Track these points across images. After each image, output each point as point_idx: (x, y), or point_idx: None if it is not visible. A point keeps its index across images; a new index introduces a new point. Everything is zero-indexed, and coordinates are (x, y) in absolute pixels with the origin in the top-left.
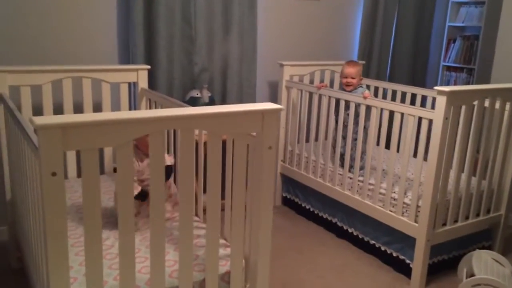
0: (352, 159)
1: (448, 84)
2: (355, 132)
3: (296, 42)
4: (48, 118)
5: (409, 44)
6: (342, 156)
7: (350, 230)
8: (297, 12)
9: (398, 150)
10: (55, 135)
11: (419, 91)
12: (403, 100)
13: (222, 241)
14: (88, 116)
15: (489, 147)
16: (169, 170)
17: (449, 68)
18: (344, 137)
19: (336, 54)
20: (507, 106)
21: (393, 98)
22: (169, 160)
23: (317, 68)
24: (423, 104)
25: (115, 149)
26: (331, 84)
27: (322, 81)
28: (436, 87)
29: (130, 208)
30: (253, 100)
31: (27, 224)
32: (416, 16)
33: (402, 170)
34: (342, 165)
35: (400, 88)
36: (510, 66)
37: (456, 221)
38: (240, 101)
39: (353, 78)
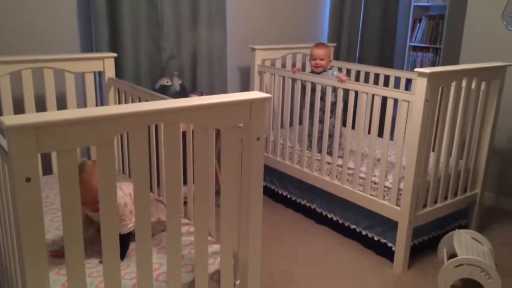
0: (330, 143)
1: (414, 64)
2: (332, 116)
3: (265, 25)
4: (20, 118)
5: (377, 25)
6: (320, 140)
7: (329, 216)
8: None
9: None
10: (28, 137)
11: (393, 73)
12: (376, 82)
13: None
14: (65, 113)
15: (466, 127)
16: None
17: (415, 48)
18: (321, 121)
19: (306, 37)
20: (482, 86)
21: (366, 81)
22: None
23: (289, 52)
24: (396, 86)
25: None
26: (303, 68)
27: (294, 64)
28: (416, 69)
29: (113, 211)
30: (224, 86)
31: None
32: None
33: (383, 153)
34: (319, 151)
35: (373, 70)
36: (478, 45)
37: (435, 202)
38: (211, 87)
39: (322, 59)
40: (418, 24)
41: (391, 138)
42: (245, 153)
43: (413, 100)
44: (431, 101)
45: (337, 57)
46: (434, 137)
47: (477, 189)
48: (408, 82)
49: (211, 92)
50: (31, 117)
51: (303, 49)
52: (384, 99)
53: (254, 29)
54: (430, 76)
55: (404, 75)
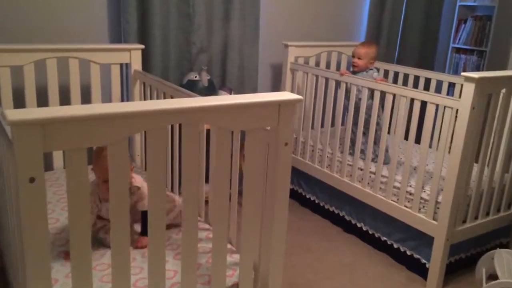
0: (363, 148)
1: (457, 67)
2: (368, 119)
3: (300, 21)
4: (25, 112)
5: (419, 25)
6: (353, 144)
7: (359, 225)
8: None
9: (417, 141)
10: (34, 134)
11: (435, 76)
12: (415, 85)
13: (228, 246)
14: (74, 109)
15: None
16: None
17: (458, 50)
18: (355, 124)
19: (342, 34)
20: None
21: (405, 83)
22: (139, 182)
23: (323, 50)
24: (438, 90)
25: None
26: (338, 66)
27: (328, 63)
28: (463, 73)
29: (124, 213)
30: (255, 84)
31: (6, 229)
32: None
33: (421, 162)
34: (352, 154)
35: (413, 72)
36: None
37: (476, 217)
38: (241, 84)
39: (360, 58)
40: (463, 25)
41: (430, 145)
42: (271, 158)
43: (458, 106)
44: (478, 109)
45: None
46: (478, 148)
47: None
48: (450, 86)
49: (240, 89)
50: (38, 112)
51: (338, 47)
52: (424, 104)
53: (287, 25)
54: (478, 81)
55: (446, 78)
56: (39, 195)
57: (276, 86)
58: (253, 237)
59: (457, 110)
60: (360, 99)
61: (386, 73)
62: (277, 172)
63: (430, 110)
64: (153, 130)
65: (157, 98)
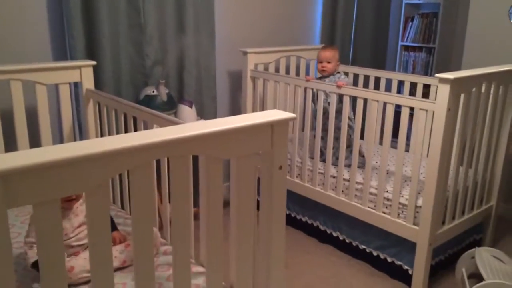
0: (335, 154)
1: (406, 64)
2: (338, 125)
3: (254, 27)
4: None
5: (370, 25)
6: (322, 151)
7: (335, 234)
8: None
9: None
10: None
11: (396, 76)
12: (376, 87)
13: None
14: (41, 154)
15: (486, 136)
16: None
17: (407, 48)
18: (325, 130)
19: (297, 39)
20: (500, 91)
21: (365, 85)
22: None
23: (282, 55)
24: (399, 91)
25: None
26: (297, 71)
27: (287, 68)
28: (437, 75)
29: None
30: (213, 94)
31: None
32: None
33: (398, 166)
34: (323, 160)
35: (378, 74)
36: (482, 45)
37: (453, 218)
38: (200, 95)
39: (328, 62)
40: (410, 23)
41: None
42: (263, 183)
43: (434, 108)
44: (453, 110)
45: None
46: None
47: (492, 201)
48: (401, 84)
49: (199, 100)
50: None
51: (297, 51)
52: (398, 107)
53: (242, 31)
54: (453, 82)
55: (411, 79)
56: (5, 263)
57: (235, 94)
58: (248, 271)
59: (430, 112)
60: (329, 103)
61: (356, 76)
62: (272, 198)
63: (404, 114)
64: (137, 169)
65: (116, 119)
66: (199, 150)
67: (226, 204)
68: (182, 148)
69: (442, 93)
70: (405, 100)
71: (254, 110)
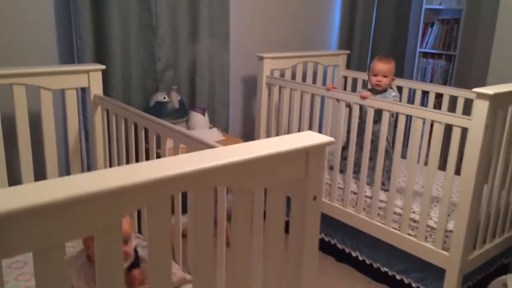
0: (356, 169)
1: (424, 72)
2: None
3: (268, 30)
4: None
5: (389, 31)
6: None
7: (354, 254)
8: None
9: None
10: None
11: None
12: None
13: None
14: (42, 191)
15: None
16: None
17: (425, 55)
18: (344, 147)
19: (312, 43)
20: None
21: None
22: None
23: (300, 61)
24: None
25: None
26: (314, 78)
27: (304, 74)
28: (475, 89)
29: None
30: (226, 100)
31: None
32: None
33: (427, 187)
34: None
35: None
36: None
37: (484, 242)
38: (212, 102)
39: (385, 76)
40: (430, 29)
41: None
42: (295, 214)
43: (470, 126)
44: (491, 128)
45: (348, 65)
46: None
47: None
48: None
49: (211, 107)
50: None
51: (315, 57)
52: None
53: (257, 35)
54: (493, 98)
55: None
56: None
57: (248, 101)
58: None
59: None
60: (364, 122)
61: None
62: (305, 232)
63: (437, 130)
64: (154, 204)
65: (126, 130)
66: (224, 181)
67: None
68: (207, 180)
69: (480, 109)
70: (439, 116)
71: (268, 119)
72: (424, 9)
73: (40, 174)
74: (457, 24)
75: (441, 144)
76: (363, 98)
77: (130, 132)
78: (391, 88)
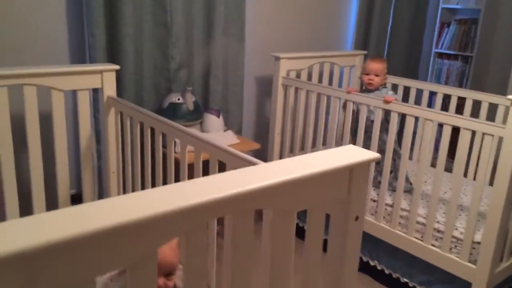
0: (375, 175)
1: (439, 73)
2: (383, 143)
3: (283, 30)
4: None
5: (405, 31)
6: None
7: (372, 263)
8: None
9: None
10: (14, 276)
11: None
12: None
13: None
14: (69, 222)
15: None
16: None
17: (441, 55)
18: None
19: (327, 43)
20: None
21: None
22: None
23: (316, 61)
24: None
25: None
26: (330, 79)
27: (321, 75)
28: (510, 96)
29: None
30: (239, 101)
31: None
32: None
33: (453, 197)
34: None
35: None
36: None
37: (511, 254)
38: (225, 103)
39: (377, 75)
40: (446, 29)
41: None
42: (334, 233)
43: (503, 134)
44: None
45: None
46: None
47: None
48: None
49: (224, 107)
50: (17, 239)
51: (332, 57)
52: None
53: (272, 34)
54: None
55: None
56: None
57: (262, 102)
58: None
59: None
60: (372, 121)
61: (406, 90)
62: (345, 253)
63: (464, 138)
64: (192, 232)
65: (141, 134)
66: (264, 203)
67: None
68: (248, 202)
69: None
70: (468, 123)
71: (284, 121)
72: (440, 8)
73: (50, 177)
74: (475, 24)
75: (467, 152)
76: (387, 102)
77: (146, 136)
78: (385, 87)
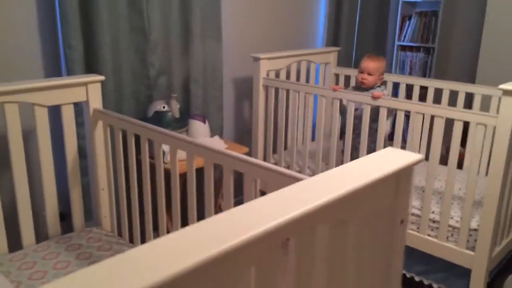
0: None
1: (403, 65)
2: (373, 141)
3: (259, 31)
4: None
5: (371, 25)
6: None
7: None
8: None
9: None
10: None
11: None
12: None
13: None
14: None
15: None
16: None
17: (404, 48)
18: (356, 149)
19: (300, 41)
20: None
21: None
22: None
23: (294, 60)
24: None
25: None
26: (307, 77)
27: (298, 72)
28: (502, 86)
29: None
30: (219, 104)
31: None
32: None
33: (448, 187)
34: None
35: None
36: (500, 50)
37: (502, 237)
38: (206, 107)
39: (370, 74)
40: (407, 22)
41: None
42: (379, 238)
43: (496, 124)
44: None
45: (337, 62)
46: None
47: None
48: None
49: (206, 112)
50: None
51: (309, 55)
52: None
53: (246, 36)
54: None
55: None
56: None
57: (240, 104)
58: None
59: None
60: (360, 119)
61: (396, 86)
62: (390, 257)
63: (457, 128)
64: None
65: (137, 149)
66: (326, 218)
67: None
68: (309, 221)
69: (507, 106)
70: (459, 114)
71: (266, 123)
72: (401, 2)
73: (36, 195)
74: (435, 16)
75: (459, 141)
76: (375, 98)
77: (143, 149)
78: (379, 86)
